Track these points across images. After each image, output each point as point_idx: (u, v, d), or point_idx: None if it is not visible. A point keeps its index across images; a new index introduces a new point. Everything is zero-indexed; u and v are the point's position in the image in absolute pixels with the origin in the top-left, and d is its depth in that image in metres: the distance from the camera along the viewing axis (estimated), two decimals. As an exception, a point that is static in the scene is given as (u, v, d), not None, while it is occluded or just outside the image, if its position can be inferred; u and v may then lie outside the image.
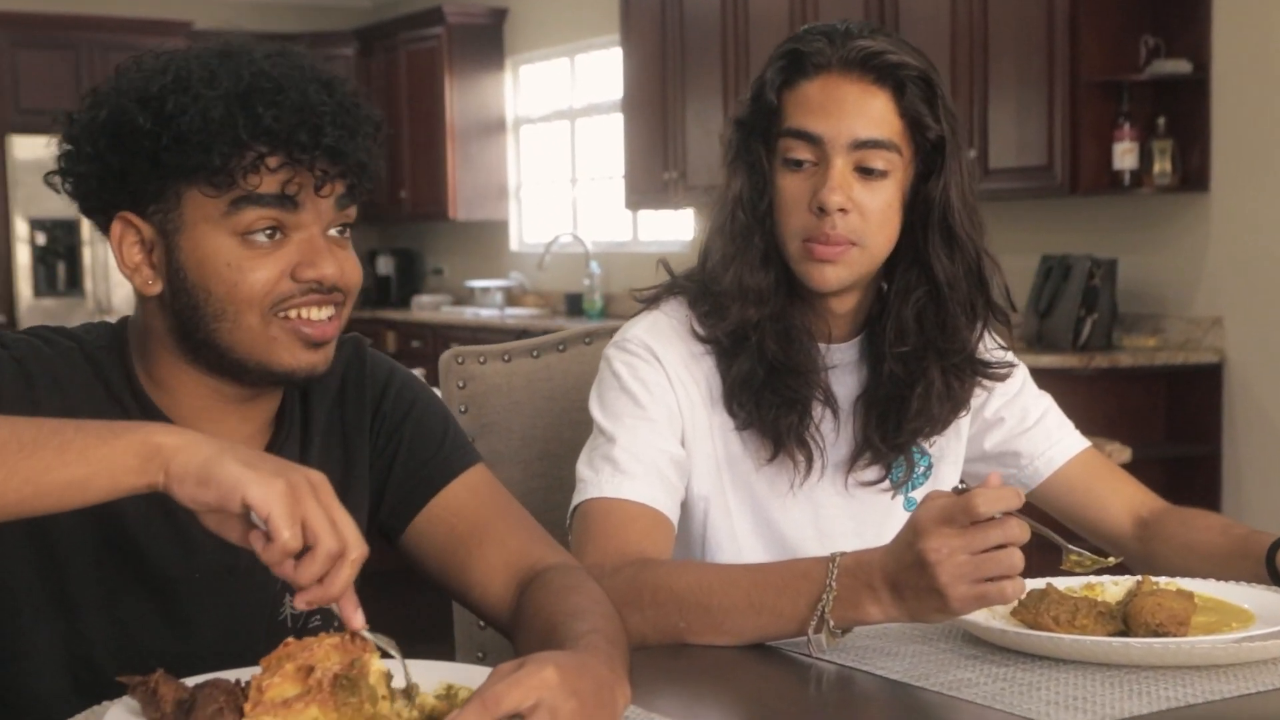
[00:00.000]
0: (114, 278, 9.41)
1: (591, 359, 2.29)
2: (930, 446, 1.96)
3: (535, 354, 2.30)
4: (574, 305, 8.59)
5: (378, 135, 1.53)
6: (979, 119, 5.83)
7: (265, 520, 1.23)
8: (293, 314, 1.49)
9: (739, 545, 1.90)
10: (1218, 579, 1.72)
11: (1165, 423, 5.49)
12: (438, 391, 1.96)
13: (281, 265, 1.48)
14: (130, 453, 1.26)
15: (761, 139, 1.86)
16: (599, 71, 8.79)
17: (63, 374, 1.51)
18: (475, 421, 2.23)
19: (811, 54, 1.80)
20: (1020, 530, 1.47)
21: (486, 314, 8.75)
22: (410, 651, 1.36)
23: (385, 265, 10.21)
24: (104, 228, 1.52)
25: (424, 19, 9.51)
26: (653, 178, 7.77)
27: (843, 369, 1.92)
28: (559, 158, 9.20)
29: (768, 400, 1.85)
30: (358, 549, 1.28)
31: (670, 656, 1.61)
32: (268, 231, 1.47)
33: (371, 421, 1.67)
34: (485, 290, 9.16)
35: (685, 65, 7.47)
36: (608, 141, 8.67)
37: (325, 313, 1.51)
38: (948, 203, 1.83)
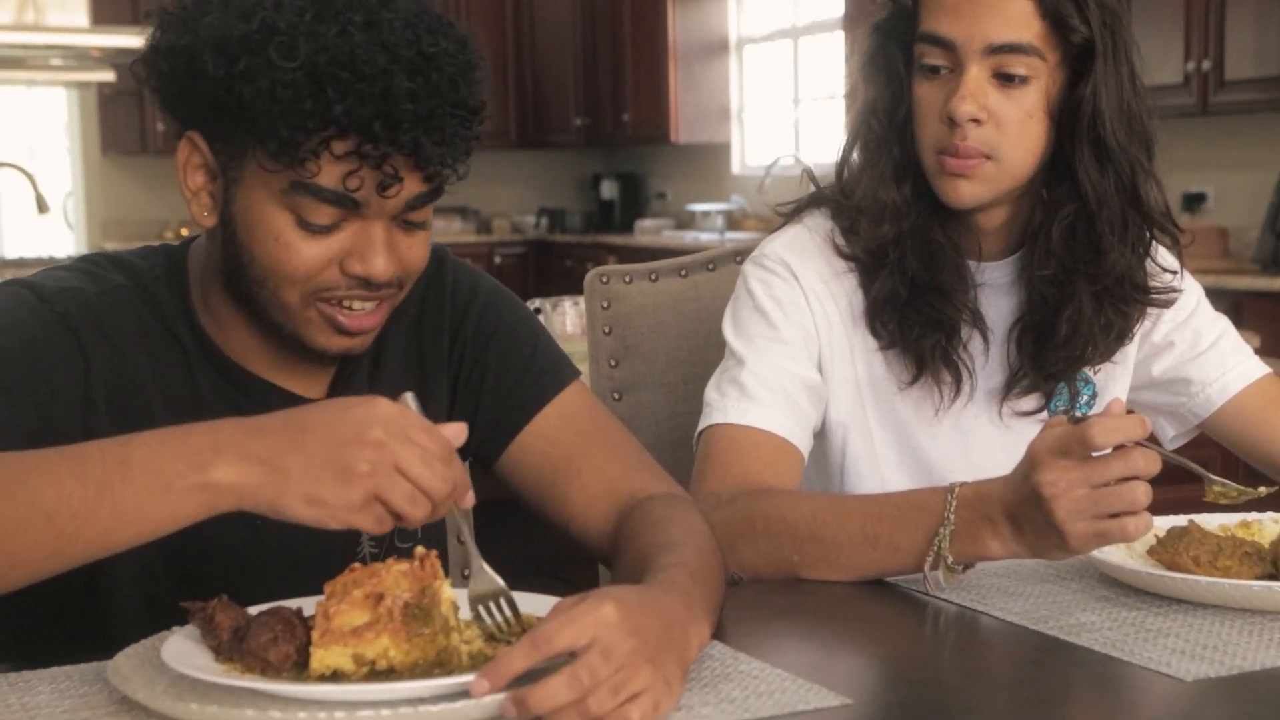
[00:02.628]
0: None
1: (742, 279, 2.21)
2: (1095, 374, 1.83)
3: (683, 273, 2.22)
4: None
5: (475, 124, 1.38)
6: (1215, 28, 5.50)
7: None
8: (333, 302, 1.40)
9: (882, 475, 1.79)
10: (1396, 520, 1.56)
11: None
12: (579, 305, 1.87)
13: (330, 253, 1.37)
14: (191, 503, 1.17)
15: (899, 44, 1.74)
16: (822, -12, 8.59)
17: (109, 319, 1.43)
18: (619, 343, 2.16)
19: None
20: (1146, 462, 1.34)
21: (707, 238, 8.67)
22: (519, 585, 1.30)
23: (609, 190, 10.18)
24: (176, 135, 1.43)
25: (646, -63, 9.41)
26: (873, 96, 7.56)
27: (995, 289, 1.80)
28: (781, 78, 9.03)
29: (911, 319, 1.74)
30: (455, 479, 1.21)
31: (782, 592, 1.53)
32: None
33: (452, 346, 1.58)
34: (706, 214, 9.08)
35: (907, -21, 7.23)
36: (830, 61, 8.48)
37: (368, 305, 1.41)
38: (1097, 111, 1.68)
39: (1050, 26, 1.66)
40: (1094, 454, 1.35)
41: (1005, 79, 1.67)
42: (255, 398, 1.47)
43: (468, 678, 1.12)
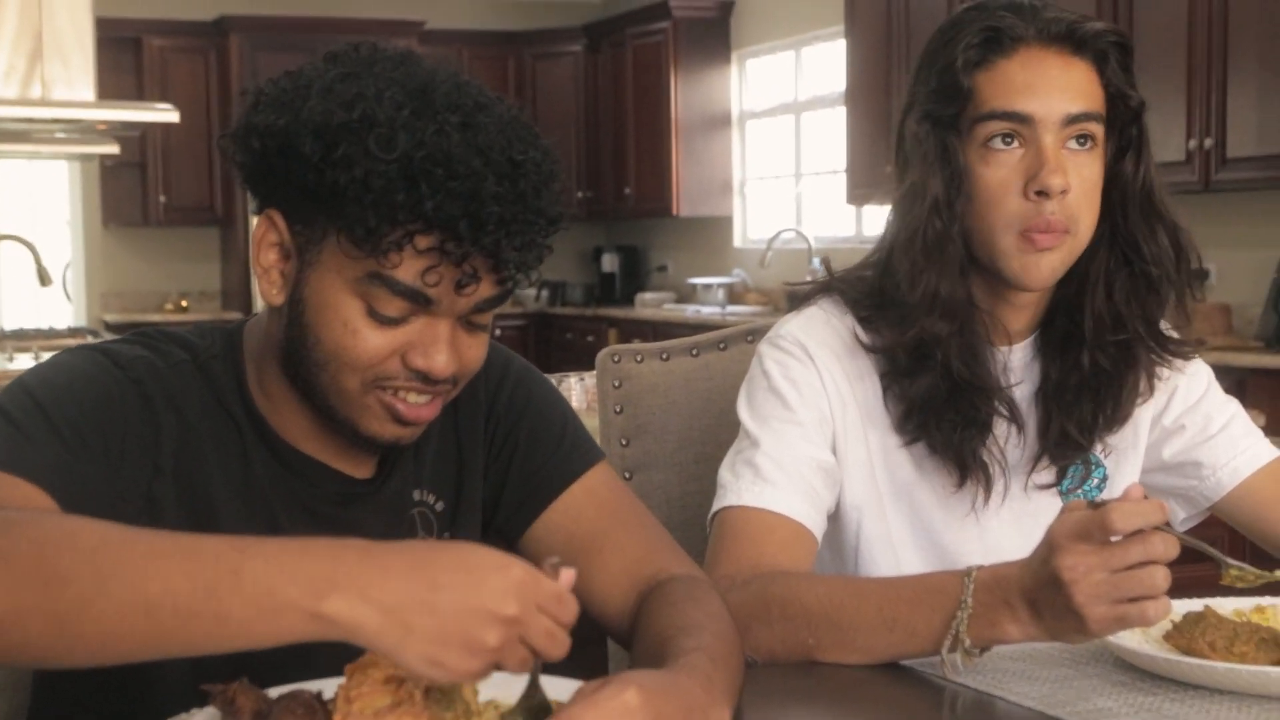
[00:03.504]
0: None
1: (753, 358, 2.22)
2: (1106, 457, 1.84)
3: (694, 352, 2.23)
4: (795, 303, 8.48)
5: (552, 233, 1.41)
6: (1217, 106, 5.55)
7: None
8: (390, 391, 1.42)
9: (897, 557, 1.80)
10: None
11: None
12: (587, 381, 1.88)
13: (395, 344, 1.39)
14: (300, 630, 1.11)
15: (954, 130, 1.72)
16: (824, 64, 8.67)
17: (178, 391, 1.45)
18: (630, 422, 2.17)
19: (1006, 29, 1.69)
20: (1165, 546, 1.35)
21: (708, 311, 8.71)
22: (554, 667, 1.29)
23: (610, 263, 10.23)
24: (256, 210, 1.46)
25: (651, 14, 9.50)
26: (876, 172, 7.61)
27: (1015, 372, 1.81)
28: (783, 152, 9.10)
29: (949, 420, 1.74)
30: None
31: (799, 675, 1.53)
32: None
33: (486, 423, 1.60)
34: (708, 287, 9.12)
35: (910, 58, 7.30)
36: (832, 135, 8.55)
37: (423, 399, 1.43)
38: (1149, 176, 1.72)
39: (1109, 97, 1.70)
40: (1113, 539, 1.36)
41: (1080, 144, 1.69)
42: (307, 478, 1.50)
43: (492, 762, 1.13)
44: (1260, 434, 1.91)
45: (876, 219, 8.28)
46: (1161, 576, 1.35)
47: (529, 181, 1.37)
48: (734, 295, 9.08)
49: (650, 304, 9.45)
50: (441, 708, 1.21)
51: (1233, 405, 1.91)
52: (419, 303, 1.37)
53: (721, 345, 2.25)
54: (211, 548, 1.13)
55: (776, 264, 8.76)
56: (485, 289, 1.39)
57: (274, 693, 1.27)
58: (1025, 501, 1.82)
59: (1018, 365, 1.81)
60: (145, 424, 1.41)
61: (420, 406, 1.43)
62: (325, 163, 1.34)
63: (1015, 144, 1.68)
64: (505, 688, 1.25)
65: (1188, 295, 1.78)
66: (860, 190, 7.85)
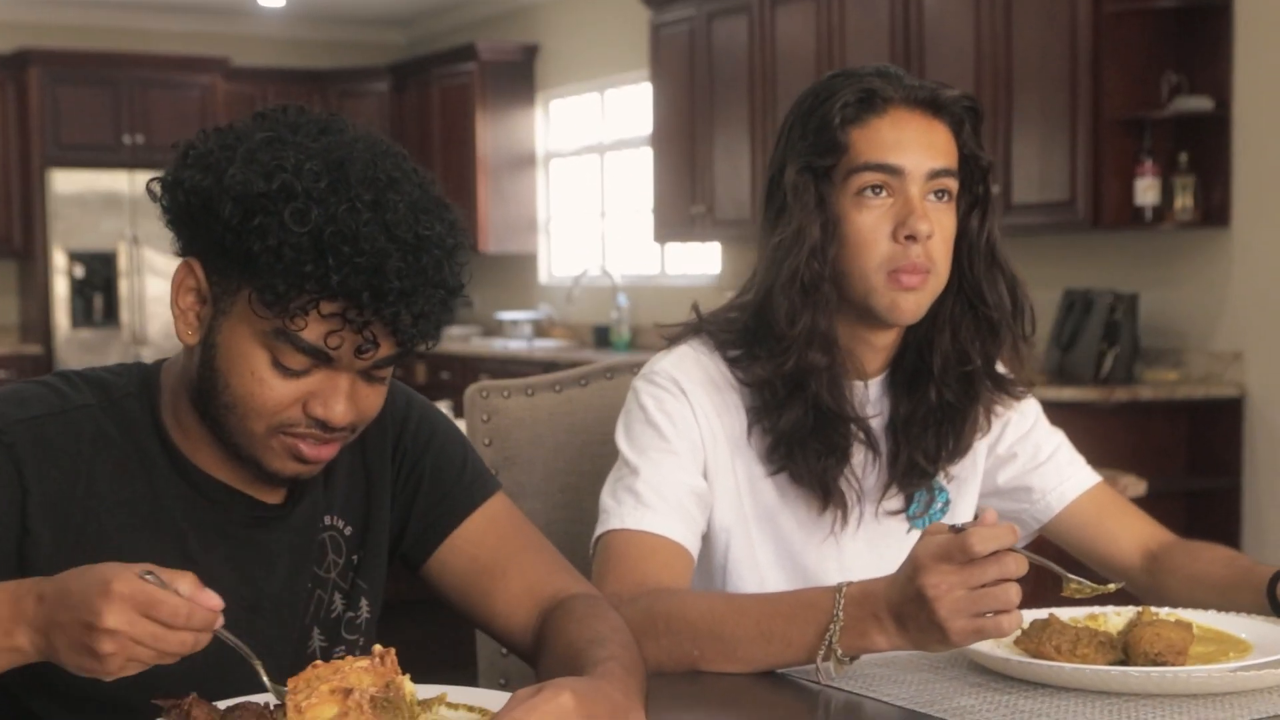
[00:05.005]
0: (149, 309, 9.52)
1: (612, 393, 2.35)
2: (948, 483, 2.02)
3: (558, 388, 2.36)
4: (601, 337, 8.67)
5: (453, 302, 1.51)
6: (1003, 155, 5.89)
7: None
8: (293, 436, 1.52)
9: (761, 575, 1.95)
10: (1221, 610, 1.77)
11: (1186, 456, 5.52)
12: (460, 423, 2.01)
13: (298, 393, 1.50)
14: (4, 660, 1.36)
15: (828, 180, 1.88)
16: (628, 106, 8.88)
17: (64, 444, 1.53)
18: (499, 454, 2.28)
19: (878, 90, 1.85)
20: (1016, 565, 1.52)
21: (515, 345, 8.83)
22: (433, 678, 1.43)
23: (416, 297, 10.27)
24: (177, 253, 1.55)
25: (457, 55, 9.63)
26: (681, 211, 7.84)
27: (872, 404, 1.98)
28: (588, 192, 9.28)
29: (814, 449, 1.90)
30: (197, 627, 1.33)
31: (684, 683, 1.66)
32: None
33: (392, 456, 1.72)
34: (514, 322, 9.25)
35: (714, 100, 7.54)
36: (636, 175, 8.76)
37: (323, 442, 1.54)
38: (993, 231, 1.91)
39: (961, 157, 1.88)
40: (970, 559, 1.52)
41: (938, 198, 1.86)
42: (220, 503, 1.60)
43: (441, 761, 1.25)
44: (1083, 461, 2.11)
45: (679, 258, 8.50)
46: (1014, 592, 1.52)
47: (431, 257, 1.47)
48: (540, 330, 9.22)
49: (457, 338, 9.53)
50: (389, 715, 1.32)
51: (1059, 435, 2.11)
52: (321, 360, 1.48)
53: (583, 382, 2.38)
54: None
55: (582, 300, 8.93)
56: (384, 350, 1.50)
57: (221, 705, 1.37)
58: (877, 525, 1.99)
59: (872, 399, 1.98)
60: (9, 488, 1.50)
61: (320, 447, 1.54)
62: (242, 228, 1.44)
63: (884, 194, 1.85)
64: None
65: (1021, 340, 1.97)
66: (665, 229, 8.06)
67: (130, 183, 9.38)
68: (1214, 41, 5.50)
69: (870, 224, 1.86)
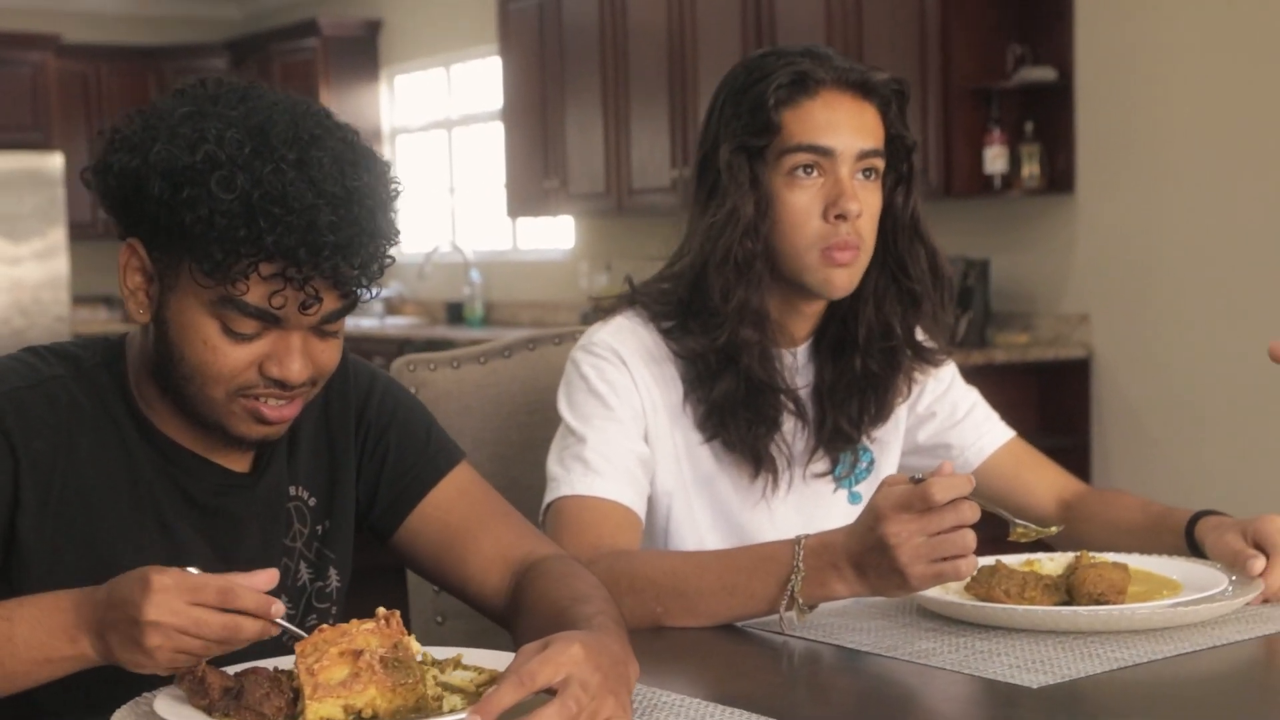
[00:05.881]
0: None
1: (536, 363, 2.41)
2: (871, 443, 2.11)
3: (482, 360, 2.40)
4: (454, 314, 8.68)
5: (388, 248, 1.54)
6: None
7: None
8: (253, 398, 1.56)
9: (700, 536, 2.02)
10: (1140, 553, 1.88)
11: (1038, 416, 5.72)
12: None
13: (252, 357, 1.53)
14: (67, 667, 1.43)
15: (761, 159, 1.95)
16: (475, 81, 8.89)
17: (41, 413, 1.56)
18: (430, 426, 2.33)
19: (810, 73, 1.92)
20: (971, 512, 1.61)
21: (367, 323, 8.80)
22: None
23: (260, 276, 10.17)
24: (120, 237, 1.57)
25: (297, 31, 9.54)
26: (533, 186, 7.88)
27: (797, 371, 2.06)
28: (436, 168, 9.27)
29: (744, 419, 1.97)
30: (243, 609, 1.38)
31: (649, 639, 1.72)
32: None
33: (356, 430, 1.75)
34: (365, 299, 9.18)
35: (565, 74, 7.59)
36: (485, 151, 8.77)
37: (284, 401, 1.57)
38: (916, 207, 1.99)
39: (888, 137, 1.96)
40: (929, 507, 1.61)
41: (865, 177, 1.94)
42: (189, 471, 1.63)
43: (458, 716, 1.30)
44: (997, 418, 2.21)
45: (531, 232, 8.54)
46: (971, 538, 1.61)
47: (363, 207, 1.50)
48: (392, 307, 9.21)
49: (304, 318, 9.47)
50: (401, 674, 1.37)
51: (974, 393, 2.22)
52: (268, 321, 1.52)
53: (506, 353, 2.43)
54: None
55: (434, 277, 8.92)
56: (329, 304, 1.53)
57: (230, 671, 1.41)
58: (805, 487, 2.07)
59: (799, 366, 2.06)
60: (3, 460, 1.53)
61: (282, 407, 1.57)
62: (173, 202, 1.47)
63: (815, 174, 1.93)
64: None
65: (940, 308, 2.06)
66: (518, 204, 8.09)
67: (-39, 163, 9.16)
68: (1056, 14, 5.69)
69: (803, 203, 1.93)
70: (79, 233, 9.49)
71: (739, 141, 1.95)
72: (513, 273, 8.63)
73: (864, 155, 1.94)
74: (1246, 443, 5.22)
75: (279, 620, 1.37)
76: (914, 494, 1.61)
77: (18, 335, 9.26)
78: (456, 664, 1.44)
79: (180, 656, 1.35)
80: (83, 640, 1.39)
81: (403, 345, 8.01)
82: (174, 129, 1.48)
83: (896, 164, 2.00)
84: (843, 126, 1.92)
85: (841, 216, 1.92)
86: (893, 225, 2.00)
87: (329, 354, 1.58)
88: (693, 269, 1.99)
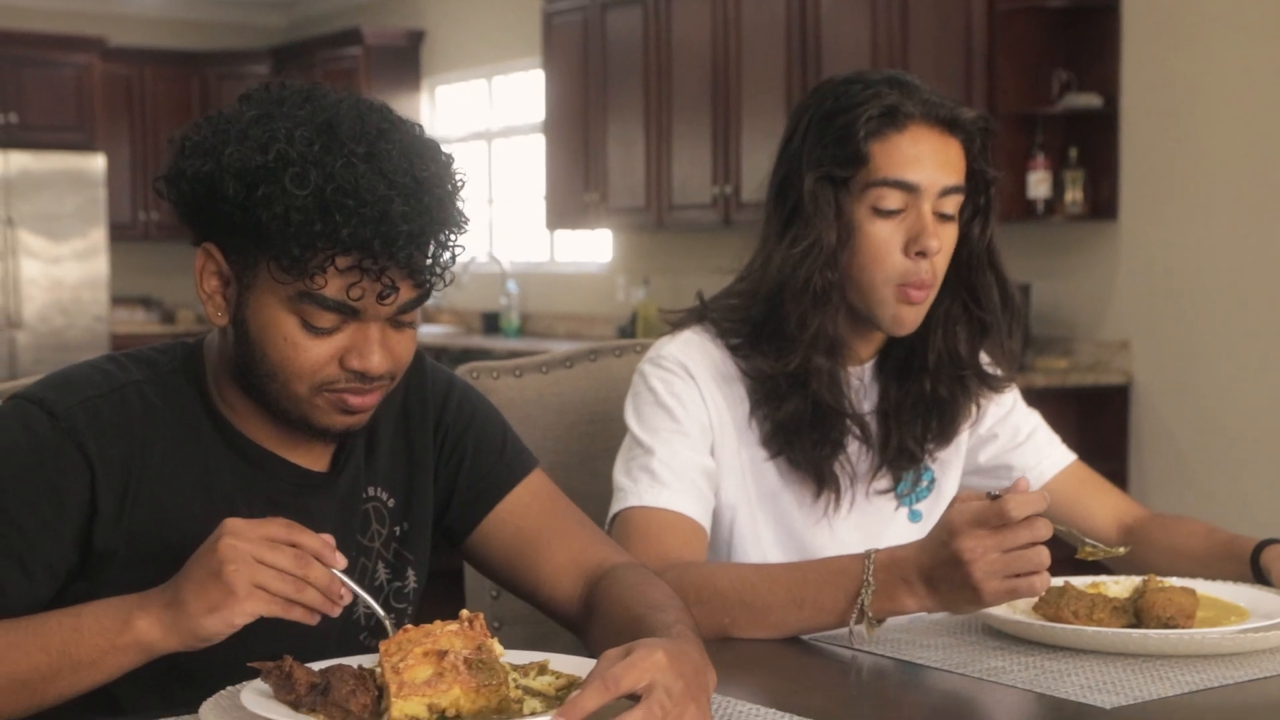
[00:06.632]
0: (24, 291, 9.36)
1: (598, 374, 2.43)
2: (933, 462, 2.12)
3: (544, 370, 2.42)
4: (490, 324, 8.71)
5: (459, 235, 1.58)
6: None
7: None
8: (336, 392, 1.58)
9: (763, 550, 2.04)
10: (1204, 579, 1.89)
11: (1075, 441, 5.57)
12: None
13: (333, 350, 1.55)
14: (128, 656, 1.47)
15: (845, 189, 1.95)
16: (517, 93, 8.92)
17: (118, 421, 1.58)
18: (492, 434, 2.35)
19: (900, 106, 1.92)
20: (1046, 529, 1.63)
21: (402, 332, 8.81)
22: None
23: (298, 282, 10.22)
24: (194, 243, 1.60)
25: (341, 39, 9.59)
26: (574, 199, 7.91)
27: (860, 388, 2.07)
28: (476, 178, 9.31)
29: (810, 439, 1.99)
30: (307, 546, 1.45)
31: (718, 650, 1.73)
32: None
33: (434, 433, 1.78)
34: (400, 308, 9.22)
35: (607, 88, 7.62)
36: (525, 163, 8.80)
37: (366, 392, 1.60)
38: (993, 239, 2.00)
39: (969, 171, 1.97)
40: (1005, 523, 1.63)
41: (944, 215, 1.95)
42: (267, 470, 1.65)
43: (541, 719, 1.32)
44: (1059, 441, 2.23)
45: (569, 245, 8.57)
46: (1046, 555, 1.63)
47: (432, 196, 1.53)
48: (428, 315, 9.24)
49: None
50: (486, 675, 1.39)
51: (1035, 416, 2.23)
52: (346, 314, 1.54)
53: (568, 364, 2.45)
54: (55, 618, 1.48)
55: (470, 286, 8.96)
56: (405, 294, 1.56)
57: (316, 667, 1.43)
58: (867, 504, 2.08)
59: (864, 384, 2.07)
60: (79, 470, 1.56)
61: (365, 396, 1.60)
62: (248, 202, 1.50)
63: (899, 207, 1.94)
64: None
65: (1007, 337, 2.07)
66: (557, 216, 8.12)
67: (4, 163, 9.20)
68: (1102, 40, 5.69)
69: (884, 237, 1.94)
70: (119, 234, 9.55)
71: (825, 171, 1.95)
72: (549, 284, 8.66)
73: (947, 191, 1.94)
74: (1285, 474, 5.22)
75: (341, 575, 1.45)
76: (990, 510, 1.63)
77: (56, 335, 9.32)
78: (542, 669, 1.46)
79: (259, 594, 1.41)
80: (141, 620, 1.44)
81: (438, 354, 8.04)
82: (244, 131, 1.52)
83: (974, 196, 2.00)
84: (928, 162, 1.93)
85: (922, 254, 1.93)
86: (968, 256, 2.01)
87: (405, 345, 1.61)
88: (769, 292, 1.99)
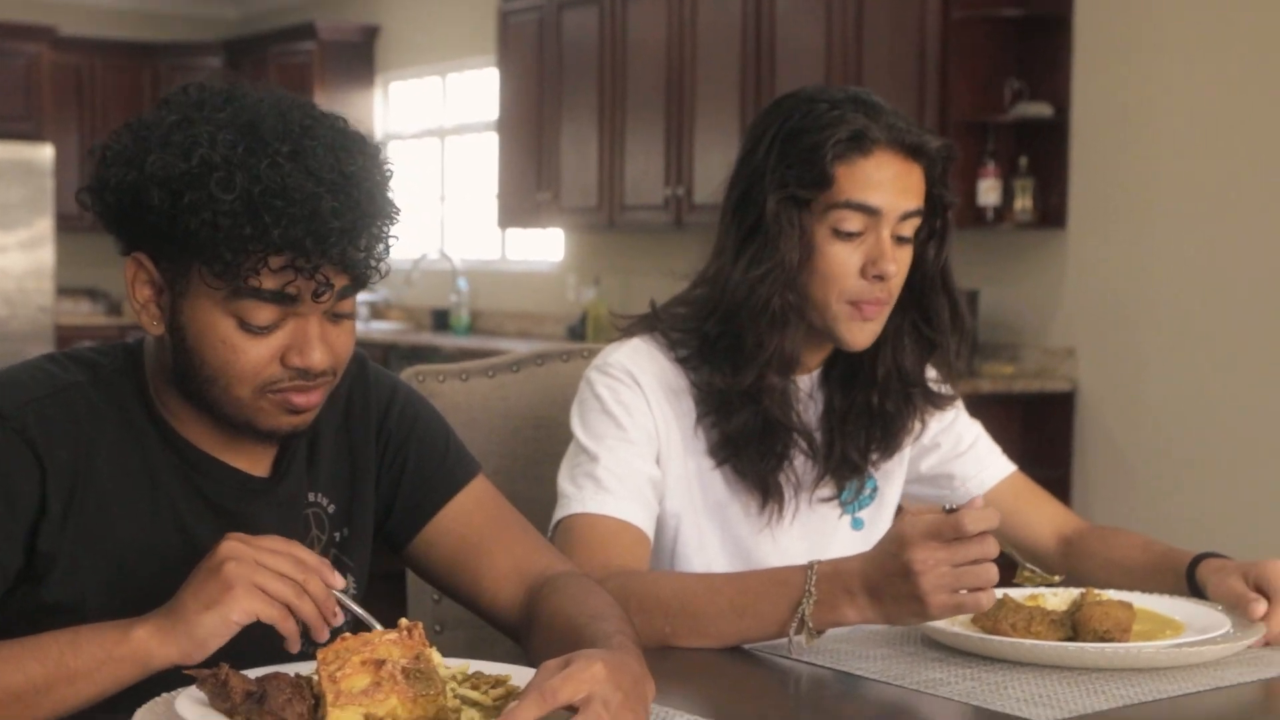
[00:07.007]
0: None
1: (544, 378, 2.43)
2: (876, 471, 2.13)
3: (490, 373, 2.42)
4: (440, 321, 8.69)
5: (391, 226, 1.57)
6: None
7: None
8: (279, 392, 1.57)
9: (707, 559, 2.04)
10: (1140, 591, 1.91)
11: (1020, 446, 5.74)
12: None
13: (273, 350, 1.54)
14: (125, 669, 1.45)
15: (807, 209, 1.96)
16: (471, 91, 8.90)
17: (64, 423, 1.57)
18: (437, 437, 2.34)
19: (866, 131, 1.92)
20: (994, 547, 1.64)
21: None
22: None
23: (247, 277, 10.17)
24: (122, 252, 1.59)
25: (295, 34, 9.55)
26: (525, 197, 7.90)
27: (806, 398, 2.08)
28: (428, 175, 9.29)
29: (757, 451, 2.00)
30: (308, 562, 1.46)
31: (656, 659, 1.73)
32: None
33: (377, 439, 1.77)
34: (350, 304, 9.19)
35: (562, 87, 7.62)
36: (478, 161, 8.79)
37: (309, 390, 1.59)
38: (947, 261, 2.02)
39: (928, 195, 1.98)
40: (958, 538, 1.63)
41: (904, 239, 1.96)
42: (208, 474, 1.64)
43: (475, 731, 1.32)
44: (999, 451, 2.24)
45: (520, 243, 8.57)
46: (994, 572, 1.64)
47: (361, 190, 1.52)
48: (377, 312, 9.21)
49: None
50: (423, 685, 1.38)
51: (977, 427, 2.24)
52: (284, 304, 1.53)
53: (514, 367, 2.45)
54: (51, 634, 1.45)
55: (421, 283, 8.94)
56: (340, 287, 1.54)
57: (251, 675, 1.42)
58: (811, 513, 2.09)
59: (808, 392, 2.08)
60: (31, 469, 1.54)
61: (308, 396, 1.59)
62: (175, 210, 1.49)
63: (859, 229, 1.95)
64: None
65: (955, 357, 2.09)
66: (510, 215, 8.12)
67: (-48, 154, 9.14)
68: (1054, 51, 5.73)
69: (842, 259, 1.95)
70: (66, 225, 9.47)
71: (789, 191, 1.96)
72: (500, 283, 8.65)
73: (907, 216, 1.95)
74: (1226, 482, 5.26)
75: (340, 595, 1.46)
76: (945, 523, 1.64)
77: (0, 325, 9.24)
78: (499, 682, 1.45)
79: (257, 594, 1.41)
80: (139, 630, 1.43)
81: (387, 351, 8.02)
82: (166, 138, 1.50)
83: (931, 219, 2.01)
84: (891, 187, 1.94)
85: (880, 277, 1.94)
86: (921, 278, 2.03)
87: (344, 339, 1.60)
88: (727, 310, 1.99)
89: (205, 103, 1.53)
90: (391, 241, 1.58)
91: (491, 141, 8.27)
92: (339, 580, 1.47)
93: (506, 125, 8.02)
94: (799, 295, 1.96)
